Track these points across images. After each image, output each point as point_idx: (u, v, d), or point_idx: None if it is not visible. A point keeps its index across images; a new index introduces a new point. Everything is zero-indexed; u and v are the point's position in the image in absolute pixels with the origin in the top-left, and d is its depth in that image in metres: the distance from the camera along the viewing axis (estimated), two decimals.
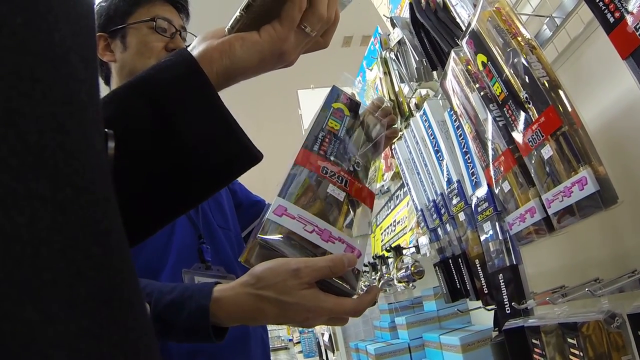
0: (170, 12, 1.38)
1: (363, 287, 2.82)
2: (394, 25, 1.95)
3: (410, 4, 1.66)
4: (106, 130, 0.56)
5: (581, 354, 0.84)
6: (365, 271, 2.92)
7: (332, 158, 0.95)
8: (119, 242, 0.33)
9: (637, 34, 0.70)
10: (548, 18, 1.12)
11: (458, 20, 1.38)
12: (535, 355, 0.98)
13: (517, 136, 1.01)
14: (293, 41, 0.75)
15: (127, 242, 0.35)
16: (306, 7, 0.74)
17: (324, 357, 5.20)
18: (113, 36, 1.35)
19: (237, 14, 0.73)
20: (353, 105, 1.05)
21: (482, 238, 1.29)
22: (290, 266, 0.82)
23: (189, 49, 0.74)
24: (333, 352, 4.13)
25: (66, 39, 0.31)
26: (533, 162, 0.99)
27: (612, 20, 0.74)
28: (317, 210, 0.89)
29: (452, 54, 1.25)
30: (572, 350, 0.86)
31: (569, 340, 0.87)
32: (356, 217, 0.93)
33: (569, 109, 0.90)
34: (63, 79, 0.31)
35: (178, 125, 0.67)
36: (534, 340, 0.98)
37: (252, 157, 0.75)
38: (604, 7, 0.74)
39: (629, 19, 0.71)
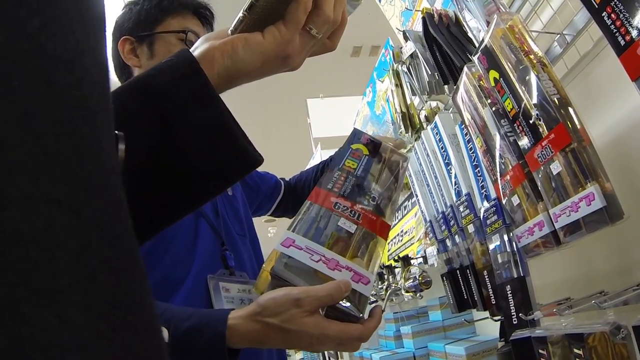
0: (198, 26, 1.39)
1: (370, 296, 2.84)
2: (406, 39, 1.98)
3: (423, 18, 1.68)
4: (116, 132, 0.56)
5: None
6: None
7: (345, 194, 0.98)
8: (131, 245, 0.34)
9: None
10: (558, 35, 1.15)
11: (470, 35, 1.40)
12: None
13: (527, 147, 1.04)
14: (298, 44, 0.73)
15: (137, 244, 0.35)
16: (312, 8, 0.72)
17: None
18: (140, 41, 1.35)
19: (240, 14, 0.71)
20: (373, 145, 1.08)
21: (491, 249, 1.31)
22: (293, 295, 0.84)
23: (191, 49, 0.72)
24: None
25: (80, 42, 0.32)
26: (541, 177, 1.02)
27: (622, 43, 0.76)
28: (326, 243, 0.92)
29: (465, 69, 1.27)
30: None
31: (575, 350, 0.89)
32: (369, 247, 0.96)
33: (578, 126, 0.92)
34: (78, 82, 0.31)
35: (176, 127, 0.66)
36: (540, 351, 1.00)
37: (251, 161, 0.73)
38: (615, 30, 0.77)
39: None
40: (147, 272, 0.35)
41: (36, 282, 0.25)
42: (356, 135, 1.09)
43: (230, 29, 0.73)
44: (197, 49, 0.72)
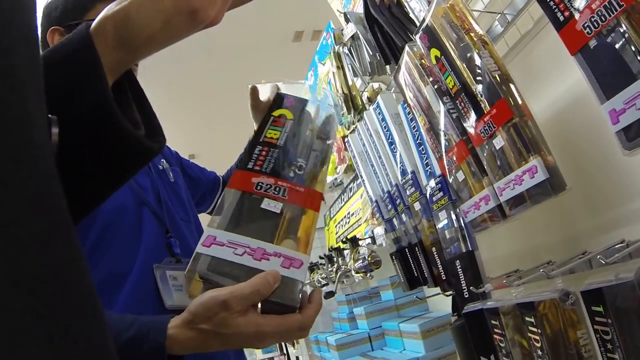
0: None
1: (321, 279, 2.85)
2: (347, 20, 1.98)
3: None
4: (49, 115, 0.53)
5: (539, 330, 0.88)
6: (322, 264, 2.95)
7: (268, 170, 0.91)
8: (64, 221, 0.32)
9: (585, 32, 0.74)
10: (499, 14, 1.16)
11: (411, 15, 1.41)
12: (495, 336, 1.02)
13: (470, 127, 1.05)
14: None
15: (72, 221, 0.33)
16: None
17: (284, 351, 5.19)
18: (69, 31, 1.25)
19: None
20: (298, 105, 1.01)
21: (439, 226, 1.33)
22: (219, 298, 0.78)
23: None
24: (293, 345, 4.14)
25: (7, 13, 0.30)
26: (485, 152, 1.03)
27: (562, 18, 0.78)
28: (251, 229, 0.86)
29: (406, 48, 1.28)
30: (530, 328, 0.91)
31: (527, 319, 0.91)
32: (300, 223, 0.90)
33: (519, 102, 0.94)
34: (3, 51, 0.29)
35: (63, 109, 0.57)
36: (493, 322, 1.02)
37: (141, 150, 0.67)
38: (554, 7, 0.78)
39: (578, 18, 0.75)
40: (83, 253, 0.33)
41: None
42: (279, 100, 1.01)
43: None
44: (94, 20, 0.64)
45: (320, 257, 2.95)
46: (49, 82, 0.58)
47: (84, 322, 0.31)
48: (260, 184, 0.90)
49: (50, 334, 0.27)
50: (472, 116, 1.03)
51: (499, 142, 0.98)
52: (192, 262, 0.83)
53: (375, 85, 2.00)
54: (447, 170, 1.21)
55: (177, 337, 0.85)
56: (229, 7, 0.70)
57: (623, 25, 0.70)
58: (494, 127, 0.97)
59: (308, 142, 0.98)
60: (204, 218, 1.49)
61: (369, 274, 2.24)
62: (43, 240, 0.29)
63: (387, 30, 1.56)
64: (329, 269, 2.77)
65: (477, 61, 0.99)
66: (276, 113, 0.99)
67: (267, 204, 0.89)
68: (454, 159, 1.16)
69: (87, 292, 0.33)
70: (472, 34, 1.01)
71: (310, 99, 1.03)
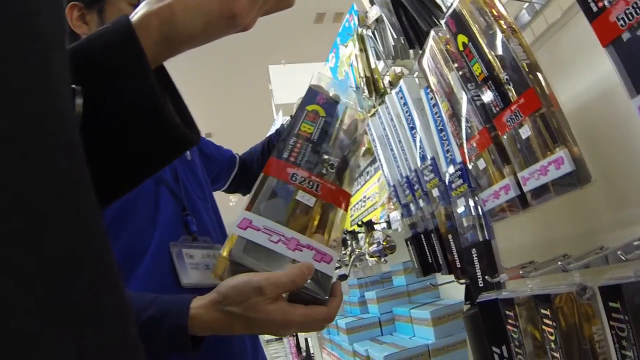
0: None
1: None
2: (372, 3, 1.97)
3: None
4: (74, 86, 0.53)
5: (554, 324, 0.88)
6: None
7: (303, 163, 0.91)
8: (88, 195, 0.32)
9: (619, 24, 0.73)
10: (527, 3, 1.15)
11: (437, 0, 1.40)
12: (508, 327, 1.02)
13: (495, 115, 1.04)
14: (245, 1, 0.66)
15: (95, 196, 0.33)
16: None
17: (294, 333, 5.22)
18: (89, 7, 1.26)
19: None
20: (330, 104, 1.01)
21: (456, 213, 1.32)
22: (254, 283, 0.80)
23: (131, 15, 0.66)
24: None
25: None
26: (509, 141, 1.02)
27: (595, 9, 0.76)
28: (285, 218, 0.87)
29: (432, 33, 1.27)
30: (544, 320, 0.90)
31: (542, 311, 0.91)
32: (329, 221, 0.91)
33: (547, 92, 0.93)
34: (32, 13, 0.28)
35: (103, 98, 0.60)
36: (507, 312, 1.02)
37: (182, 140, 0.68)
38: None
39: (612, 9, 0.73)
40: (107, 234, 0.33)
41: None
42: (312, 94, 1.01)
43: None
44: (136, 14, 0.66)
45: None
46: (88, 68, 0.60)
47: (107, 305, 0.31)
48: (295, 175, 0.90)
49: (74, 317, 0.26)
50: (499, 104, 1.02)
51: (525, 131, 0.97)
52: (226, 242, 0.84)
53: (397, 69, 1.99)
54: (467, 158, 1.20)
55: (201, 317, 0.87)
56: (260, 15, 0.72)
57: None
58: (521, 116, 0.96)
59: (338, 143, 0.98)
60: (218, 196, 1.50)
61: (382, 259, 2.24)
62: (66, 215, 0.28)
63: (412, 14, 1.55)
64: (343, 252, 2.77)
65: (506, 49, 0.98)
66: (310, 108, 0.99)
67: (302, 197, 0.89)
68: (475, 146, 1.15)
69: (110, 272, 0.32)
70: (501, 21, 1.00)
71: (340, 101, 1.03)
